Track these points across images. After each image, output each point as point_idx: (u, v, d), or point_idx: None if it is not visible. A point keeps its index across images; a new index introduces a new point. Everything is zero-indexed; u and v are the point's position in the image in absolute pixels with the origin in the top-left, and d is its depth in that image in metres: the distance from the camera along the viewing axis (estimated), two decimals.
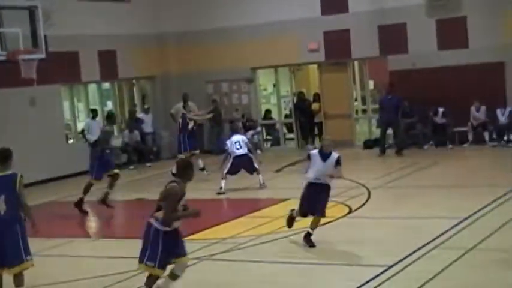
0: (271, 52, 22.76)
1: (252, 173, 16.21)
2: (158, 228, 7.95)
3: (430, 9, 21.02)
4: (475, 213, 11.77)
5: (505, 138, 20.29)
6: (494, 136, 20.53)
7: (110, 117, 16.14)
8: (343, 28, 22.02)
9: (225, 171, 15.96)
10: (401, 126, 20.66)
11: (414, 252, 9.71)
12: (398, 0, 21.10)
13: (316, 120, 23.25)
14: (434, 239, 10.28)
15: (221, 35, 23.38)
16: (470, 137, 20.79)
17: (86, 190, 14.88)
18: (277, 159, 21.52)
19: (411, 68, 21.14)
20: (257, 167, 16.07)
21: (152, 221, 8.01)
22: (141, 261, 8.08)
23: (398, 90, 20.68)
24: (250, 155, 16.24)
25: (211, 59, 23.66)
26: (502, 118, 20.37)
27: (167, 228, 7.95)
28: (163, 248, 7.93)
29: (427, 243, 10.06)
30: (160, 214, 7.95)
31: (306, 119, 23.33)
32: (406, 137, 20.98)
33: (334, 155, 10.54)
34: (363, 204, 13.51)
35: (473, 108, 20.57)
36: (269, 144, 24.63)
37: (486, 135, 20.63)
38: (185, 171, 8.01)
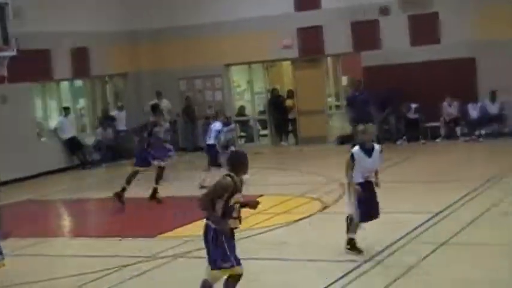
0: (244, 49, 22.77)
1: (209, 167, 15.73)
2: (217, 229, 7.30)
3: (402, 5, 21.17)
4: (447, 207, 11.89)
5: (477, 133, 20.50)
6: (466, 131, 20.74)
7: (154, 109, 15.97)
8: (316, 24, 22.10)
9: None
10: (372, 122, 20.73)
11: (388, 246, 9.79)
12: None
13: (290, 116, 23.31)
14: (408, 233, 10.37)
15: (194, 32, 23.32)
16: (442, 132, 20.98)
17: (129, 180, 14.53)
18: (252, 156, 21.61)
19: (384, 64, 21.28)
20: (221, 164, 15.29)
21: (209, 222, 7.38)
22: (214, 267, 7.35)
23: (372, 86, 20.80)
24: (218, 149, 15.69)
25: (184, 55, 23.60)
26: (474, 113, 20.59)
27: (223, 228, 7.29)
28: (229, 245, 7.35)
29: (401, 238, 10.14)
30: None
31: (280, 116, 23.38)
32: (379, 132, 21.09)
33: (376, 146, 9.54)
34: (338, 200, 13.57)
35: (445, 104, 20.76)
36: (243, 140, 24.65)
37: (458, 130, 20.82)
38: (238, 164, 7.37)
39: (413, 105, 20.94)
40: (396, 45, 21.31)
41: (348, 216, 9.69)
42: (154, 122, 15.07)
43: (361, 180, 9.36)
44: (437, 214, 11.47)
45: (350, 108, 20.72)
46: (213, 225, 7.32)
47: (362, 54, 21.89)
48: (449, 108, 20.76)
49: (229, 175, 7.35)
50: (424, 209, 11.86)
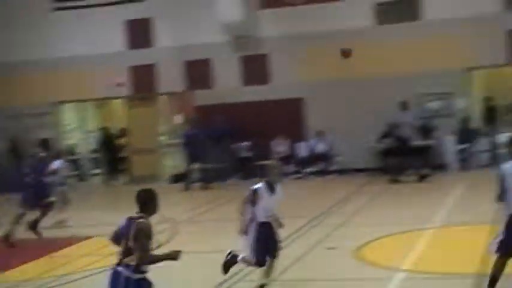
0: (77, 86, 22.28)
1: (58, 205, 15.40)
2: (129, 277, 6.68)
3: (233, 46, 21.64)
4: None
5: (306, 170, 21.18)
6: (296, 169, 21.36)
7: (46, 146, 15.13)
8: (149, 63, 22.08)
9: None
10: (207, 160, 20.92)
11: (219, 285, 9.77)
12: (203, 36, 21.50)
13: (122, 155, 23.00)
14: (236, 273, 10.40)
15: (24, 68, 22.54)
16: None
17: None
18: (83, 195, 21.03)
19: (217, 103, 21.56)
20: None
21: (121, 269, 6.72)
22: None
23: (205, 125, 21.00)
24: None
25: (12, 93, 22.71)
26: (302, 152, 21.28)
27: (140, 276, 6.73)
28: None
29: (232, 277, 10.16)
30: (131, 259, 6.71)
31: (112, 154, 23.00)
32: (212, 170, 21.27)
33: (279, 184, 9.07)
34: (171, 239, 13.41)
35: (276, 142, 21.31)
36: (74, 179, 23.92)
37: (288, 168, 21.40)
38: (150, 203, 6.87)
39: (246, 144, 21.35)
40: (229, 85, 21.70)
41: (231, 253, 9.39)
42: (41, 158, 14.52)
43: (263, 219, 8.94)
44: None
45: (185, 146, 20.80)
46: (126, 274, 6.70)
47: (195, 93, 22.09)
48: (280, 147, 21.34)
49: (142, 217, 6.81)
50: None
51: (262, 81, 21.60)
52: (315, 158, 21.16)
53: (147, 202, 6.89)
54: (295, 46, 21.27)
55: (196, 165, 20.79)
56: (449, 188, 17.31)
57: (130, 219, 6.83)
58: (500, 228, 8.08)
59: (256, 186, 8.90)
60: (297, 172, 21.29)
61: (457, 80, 20.23)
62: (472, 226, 12.66)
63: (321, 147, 21.19)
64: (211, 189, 19.98)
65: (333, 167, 21.18)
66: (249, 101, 21.47)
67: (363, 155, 20.16)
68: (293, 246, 12.00)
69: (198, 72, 21.86)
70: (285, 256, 11.27)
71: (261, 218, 8.91)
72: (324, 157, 21.14)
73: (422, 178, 18.47)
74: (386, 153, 20.15)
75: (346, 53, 20.46)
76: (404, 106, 19.17)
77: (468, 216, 13.54)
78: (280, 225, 9.22)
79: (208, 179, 20.50)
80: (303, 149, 21.31)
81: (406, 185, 18.47)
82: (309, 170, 21.21)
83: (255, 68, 21.64)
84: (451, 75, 19.97)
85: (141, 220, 6.78)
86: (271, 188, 8.91)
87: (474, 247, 10.76)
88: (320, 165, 21.23)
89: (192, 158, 20.61)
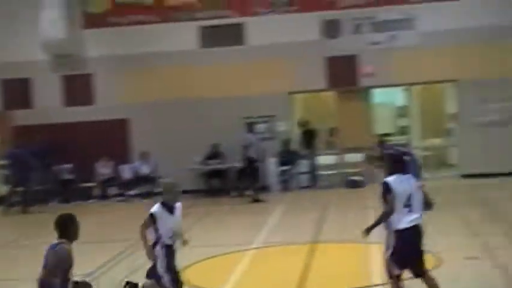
0: None
1: None
2: None
3: (54, 65, 21.05)
4: (99, 268, 11.79)
5: (130, 192, 20.88)
6: (120, 191, 21.02)
7: None
8: None
9: None
10: (30, 182, 20.08)
11: None
12: (21, 54, 20.72)
13: None
14: None
15: None
16: (97, 192, 21.00)
17: None
18: None
19: (38, 123, 20.83)
20: None
21: None
22: None
23: (26, 146, 20.18)
24: None
25: None
26: (126, 174, 20.98)
27: None
28: None
29: None
30: None
31: None
32: (33, 193, 20.44)
33: (178, 203, 8.61)
34: None
35: (100, 164, 20.87)
36: None
37: (112, 190, 21.02)
38: (72, 228, 6.57)
39: (67, 166, 20.77)
40: (50, 105, 21.08)
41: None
42: None
43: (168, 242, 8.47)
44: (89, 275, 11.30)
45: (7, 168, 19.90)
46: None
47: (14, 113, 21.24)
48: (103, 169, 20.92)
49: (63, 243, 6.46)
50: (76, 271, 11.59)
51: (85, 102, 21.13)
52: (139, 180, 20.91)
53: (67, 227, 6.64)
54: (120, 67, 21.05)
55: (18, 188, 19.90)
56: (271, 209, 17.71)
57: (50, 246, 6.55)
58: (388, 247, 8.01)
59: (152, 210, 8.48)
60: (120, 195, 20.93)
61: (279, 104, 20.85)
62: (292, 246, 13.04)
63: (145, 169, 20.98)
64: (31, 212, 19.16)
65: (158, 189, 20.98)
66: (72, 121, 20.94)
67: (188, 176, 20.20)
68: (115, 270, 11.77)
69: (17, 91, 21.01)
70: (107, 282, 11.05)
71: (166, 240, 8.48)
72: (148, 179, 20.92)
73: (256, 201, 18.79)
74: (211, 174, 20.38)
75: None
76: (250, 128, 19.58)
77: (289, 236, 13.94)
78: (185, 242, 8.75)
79: (28, 201, 19.66)
80: (126, 171, 21.00)
81: (230, 207, 18.72)
82: (133, 192, 20.91)
83: (79, 88, 21.14)
84: (273, 98, 20.55)
85: (61, 245, 6.53)
86: (168, 208, 8.51)
87: (294, 267, 11.07)
88: (145, 187, 20.98)
89: (15, 179, 19.74)
